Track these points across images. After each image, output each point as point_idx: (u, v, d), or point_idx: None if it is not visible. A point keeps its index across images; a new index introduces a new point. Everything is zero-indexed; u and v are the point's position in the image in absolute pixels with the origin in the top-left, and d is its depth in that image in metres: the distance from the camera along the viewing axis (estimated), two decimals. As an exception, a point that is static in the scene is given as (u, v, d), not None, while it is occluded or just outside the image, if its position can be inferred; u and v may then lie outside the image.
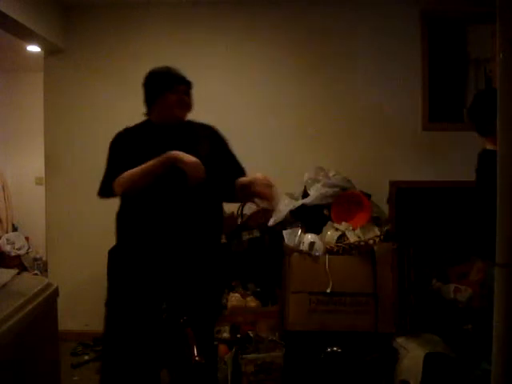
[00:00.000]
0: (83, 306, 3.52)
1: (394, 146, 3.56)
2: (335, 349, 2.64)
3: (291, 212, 3.10)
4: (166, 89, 2.12)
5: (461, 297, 3.00)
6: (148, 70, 2.20)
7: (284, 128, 3.62)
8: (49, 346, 1.51)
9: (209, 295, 2.19)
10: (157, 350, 2.21)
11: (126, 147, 2.11)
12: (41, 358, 1.46)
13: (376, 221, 3.14)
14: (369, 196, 3.25)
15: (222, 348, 2.83)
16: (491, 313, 1.77)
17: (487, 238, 1.87)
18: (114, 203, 2.18)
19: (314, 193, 3.10)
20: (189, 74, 3.61)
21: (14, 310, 1.27)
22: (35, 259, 5.13)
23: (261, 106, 3.64)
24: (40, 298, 1.43)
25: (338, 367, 2.60)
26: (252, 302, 3.06)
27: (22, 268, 4.69)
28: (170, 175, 2.01)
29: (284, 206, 3.15)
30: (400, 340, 2.68)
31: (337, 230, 2.96)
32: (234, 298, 3.06)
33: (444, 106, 3.60)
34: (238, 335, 2.84)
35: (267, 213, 3.25)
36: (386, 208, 3.48)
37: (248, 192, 2.15)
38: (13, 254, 5.06)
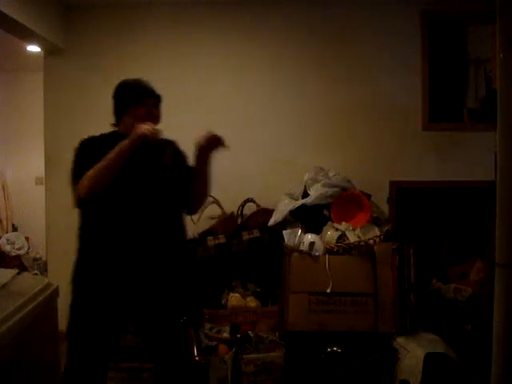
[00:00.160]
0: (83, 306, 3.52)
1: (394, 146, 3.56)
2: (335, 349, 2.64)
3: (291, 212, 3.10)
4: (136, 101, 2.13)
5: (461, 297, 3.00)
6: (118, 82, 2.21)
7: (284, 128, 3.62)
8: (49, 345, 1.51)
9: (174, 309, 2.16)
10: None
11: (90, 156, 2.09)
12: (41, 358, 1.46)
13: (376, 221, 3.14)
14: (369, 196, 3.26)
15: (222, 348, 2.84)
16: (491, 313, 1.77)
17: None
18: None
19: (314, 193, 3.10)
20: (189, 74, 3.66)
21: (14, 310, 1.27)
22: (35, 259, 5.13)
23: (261, 106, 3.64)
24: (40, 298, 1.43)
25: (337, 367, 2.60)
26: (252, 302, 3.06)
27: (22, 268, 4.69)
28: (131, 188, 2.05)
29: (284, 206, 3.15)
30: (400, 340, 2.68)
31: (337, 229, 2.96)
32: (234, 298, 3.06)
33: (444, 106, 3.60)
34: (238, 335, 2.84)
35: (267, 213, 3.26)
36: (386, 208, 3.49)
37: (199, 158, 2.24)
38: (13, 253, 5.06)
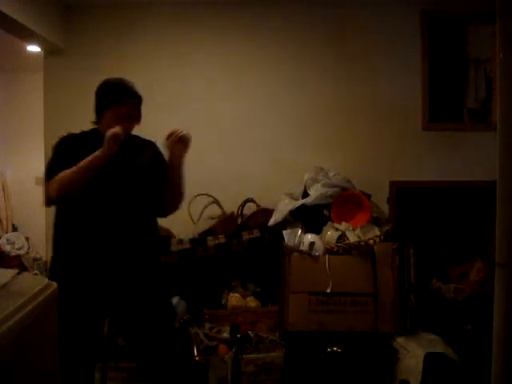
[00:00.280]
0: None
1: (394, 146, 3.56)
2: (335, 349, 2.64)
3: (291, 212, 3.10)
4: (116, 101, 2.14)
5: (461, 297, 3.00)
6: (101, 80, 2.22)
7: (284, 128, 3.62)
8: (49, 345, 1.51)
9: (149, 307, 2.18)
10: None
11: (68, 153, 2.12)
12: (41, 358, 1.46)
13: (376, 221, 3.14)
14: (369, 196, 3.26)
15: (222, 348, 2.83)
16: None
17: None
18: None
19: (314, 193, 3.10)
20: (189, 74, 3.66)
21: (14, 310, 1.27)
22: (35, 259, 5.12)
23: (261, 106, 3.64)
24: (40, 298, 1.42)
25: (337, 367, 2.60)
26: (252, 302, 3.06)
27: (22, 268, 4.68)
28: (106, 186, 2.08)
29: (284, 206, 3.15)
30: (400, 340, 2.68)
31: (337, 229, 2.96)
32: (234, 298, 3.06)
33: (444, 106, 3.60)
34: (238, 335, 2.84)
35: (267, 213, 3.26)
36: (386, 208, 3.49)
37: (170, 161, 2.22)
38: (13, 253, 5.05)
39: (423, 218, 3.51)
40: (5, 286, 1.40)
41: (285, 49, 3.61)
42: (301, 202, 3.11)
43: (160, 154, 2.33)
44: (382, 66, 3.57)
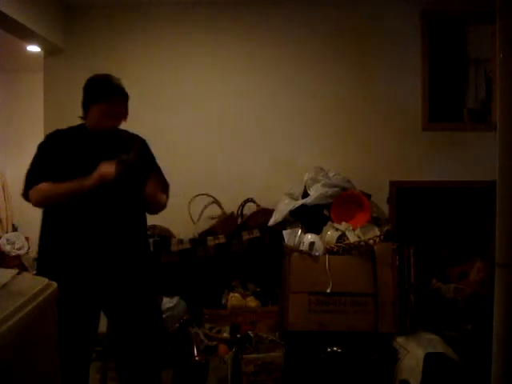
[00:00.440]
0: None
1: (394, 146, 3.56)
2: (335, 349, 2.64)
3: (291, 212, 3.10)
4: (101, 97, 2.15)
5: (461, 297, 3.00)
6: (90, 76, 2.26)
7: (284, 128, 3.62)
8: (49, 345, 1.51)
9: (138, 305, 2.22)
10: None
11: (54, 150, 2.17)
12: (41, 358, 1.46)
13: (376, 221, 3.14)
14: (369, 196, 3.26)
15: (222, 348, 2.83)
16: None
17: None
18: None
19: (314, 193, 3.10)
20: (189, 74, 3.66)
21: (14, 310, 1.27)
22: (35, 259, 5.12)
23: (261, 106, 3.64)
24: (40, 298, 1.42)
25: (337, 367, 2.60)
26: (252, 302, 3.06)
27: (22, 268, 4.68)
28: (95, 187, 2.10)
29: (284, 206, 3.15)
30: (400, 340, 2.68)
31: (337, 230, 2.96)
32: (234, 298, 3.06)
33: (444, 106, 3.60)
34: (238, 335, 2.84)
35: (267, 213, 3.26)
36: (386, 208, 3.49)
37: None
38: (13, 253, 5.05)
39: (423, 218, 3.51)
40: (5, 286, 1.40)
41: (285, 49, 3.61)
42: (301, 202, 3.11)
43: (147, 151, 2.35)
44: (382, 65, 3.57)
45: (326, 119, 3.61)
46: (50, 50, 3.65)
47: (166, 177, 2.43)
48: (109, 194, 2.14)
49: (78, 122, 2.29)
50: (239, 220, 3.41)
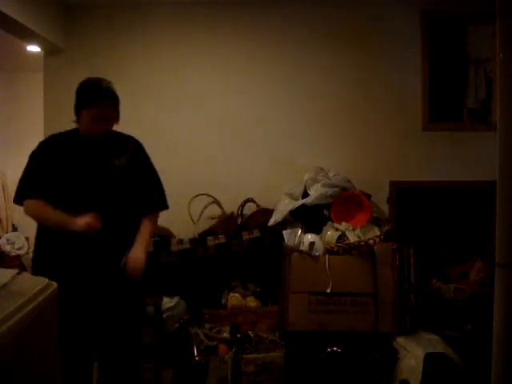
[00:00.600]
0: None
1: (394, 146, 3.56)
2: (335, 349, 2.64)
3: (291, 212, 3.10)
4: (90, 102, 2.15)
5: (461, 297, 3.00)
6: (82, 80, 2.25)
7: (284, 128, 3.62)
8: (49, 345, 1.51)
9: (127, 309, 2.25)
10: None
11: (45, 157, 2.21)
12: (41, 358, 1.46)
13: (376, 221, 3.14)
14: (369, 196, 3.26)
15: (222, 348, 2.83)
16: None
17: None
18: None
19: (314, 193, 3.10)
20: (189, 74, 3.66)
21: (14, 310, 1.27)
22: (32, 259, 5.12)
23: (261, 106, 3.64)
24: (40, 298, 1.42)
25: (337, 367, 2.60)
26: (252, 302, 3.06)
27: (22, 268, 4.68)
28: (82, 186, 2.15)
29: (284, 206, 3.15)
30: (400, 340, 2.68)
31: (337, 230, 2.96)
32: (234, 298, 3.06)
33: (444, 106, 3.60)
34: (238, 335, 2.84)
35: (267, 213, 3.26)
36: (386, 208, 3.49)
37: None
38: (13, 253, 5.05)
39: (423, 218, 3.51)
40: (5, 286, 1.40)
41: (285, 49, 3.61)
42: (301, 202, 3.11)
43: (139, 153, 2.33)
44: (382, 65, 3.57)
45: (326, 119, 3.61)
46: (50, 50, 3.65)
47: (162, 182, 2.41)
48: (101, 198, 2.16)
49: (74, 123, 2.29)
50: (239, 220, 3.41)
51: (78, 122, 2.22)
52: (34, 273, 2.16)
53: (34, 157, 2.24)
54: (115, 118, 2.22)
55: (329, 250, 2.83)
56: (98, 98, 2.15)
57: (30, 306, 1.32)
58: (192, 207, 3.39)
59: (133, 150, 2.30)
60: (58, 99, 3.65)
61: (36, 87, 4.35)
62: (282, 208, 3.14)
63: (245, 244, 3.18)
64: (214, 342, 2.87)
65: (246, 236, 3.20)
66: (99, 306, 2.22)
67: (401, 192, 3.48)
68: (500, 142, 1.83)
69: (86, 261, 2.14)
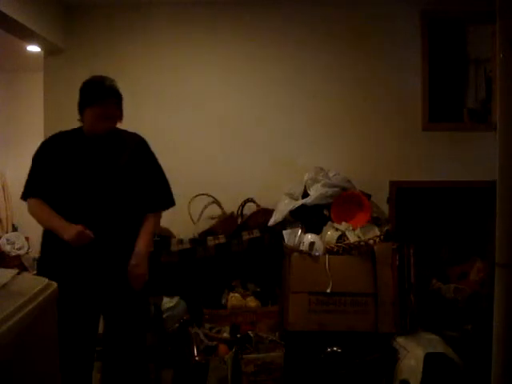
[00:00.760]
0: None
1: (394, 146, 3.56)
2: (335, 349, 2.64)
3: (291, 212, 3.10)
4: (94, 100, 2.16)
5: (461, 297, 3.00)
6: (86, 78, 2.26)
7: (284, 128, 3.62)
8: (49, 346, 1.51)
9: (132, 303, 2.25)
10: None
11: (49, 156, 2.22)
12: (41, 358, 1.46)
13: (376, 221, 3.14)
14: (369, 196, 3.26)
15: (222, 348, 2.83)
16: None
17: None
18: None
19: (314, 193, 3.10)
20: (189, 74, 3.66)
21: (14, 310, 1.27)
22: (35, 259, 5.12)
23: (261, 106, 3.64)
24: (40, 298, 1.42)
25: (338, 367, 2.60)
26: (252, 302, 3.06)
27: (22, 268, 4.68)
28: (83, 184, 2.15)
29: (284, 206, 3.15)
30: (400, 340, 2.68)
31: (337, 230, 2.96)
32: (234, 298, 3.06)
33: (444, 106, 3.60)
34: (238, 335, 2.84)
35: (267, 213, 3.26)
36: (386, 208, 3.49)
37: None
38: (13, 253, 5.05)
39: (423, 218, 3.51)
40: (5, 285, 1.40)
41: (285, 49, 3.61)
42: (301, 202, 3.11)
43: (141, 150, 2.33)
44: (382, 65, 3.57)
45: (326, 119, 3.61)
46: (50, 50, 3.65)
47: (167, 178, 2.40)
48: (105, 196, 2.17)
49: (77, 121, 2.29)
50: (239, 220, 3.41)
51: (81, 120, 2.23)
52: (39, 273, 2.17)
53: (39, 155, 2.25)
54: (119, 116, 2.22)
55: (329, 250, 2.83)
56: (101, 97, 2.15)
57: (30, 306, 1.32)
58: (192, 207, 3.39)
59: (133, 147, 2.30)
60: (58, 99, 3.66)
61: (36, 87, 4.35)
62: (282, 208, 3.14)
63: (245, 244, 3.18)
64: (214, 342, 2.87)
65: (245, 236, 3.20)
66: (103, 306, 2.22)
67: (401, 192, 3.48)
68: (500, 142, 1.83)
69: (90, 260, 2.14)
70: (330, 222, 3.03)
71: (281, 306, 2.99)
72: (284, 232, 2.98)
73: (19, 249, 5.14)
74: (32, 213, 2.21)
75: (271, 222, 3.16)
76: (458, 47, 3.63)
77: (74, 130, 2.28)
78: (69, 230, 2.07)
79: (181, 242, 3.21)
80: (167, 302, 3.02)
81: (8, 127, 5.56)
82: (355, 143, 3.58)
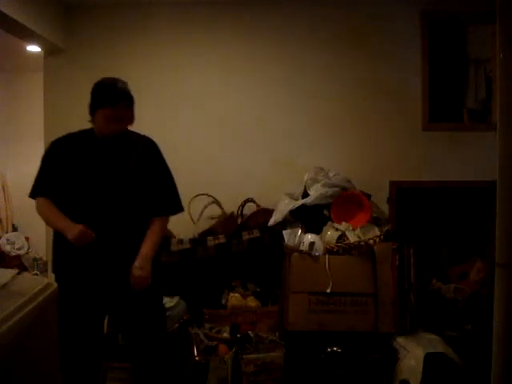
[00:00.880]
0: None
1: (394, 146, 3.56)
2: (335, 349, 2.64)
3: (291, 212, 3.10)
4: (105, 102, 2.15)
5: (461, 297, 3.00)
6: (98, 80, 2.25)
7: (284, 128, 3.62)
8: (49, 346, 1.51)
9: (143, 303, 2.25)
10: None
11: (59, 157, 2.24)
12: (41, 358, 1.46)
13: (376, 221, 3.14)
14: (369, 196, 3.26)
15: (222, 348, 2.83)
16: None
17: None
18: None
19: (314, 193, 3.10)
20: (189, 74, 3.66)
21: (14, 310, 1.28)
22: (35, 259, 5.13)
23: (261, 106, 3.64)
24: (40, 298, 1.43)
25: (338, 367, 2.60)
26: (252, 302, 3.06)
27: (22, 268, 4.69)
28: (91, 186, 2.17)
29: (284, 206, 3.15)
30: (400, 340, 2.68)
31: (337, 230, 2.96)
32: (234, 298, 3.06)
33: (444, 106, 3.60)
34: (238, 335, 2.84)
35: (267, 213, 3.26)
36: (386, 208, 3.49)
37: None
38: (13, 253, 5.06)
39: (423, 218, 3.51)
40: (5, 286, 1.40)
41: (285, 49, 3.61)
42: (301, 202, 3.11)
43: (150, 153, 2.32)
44: (382, 65, 3.57)
45: (326, 119, 3.61)
46: (50, 50, 3.65)
47: (176, 183, 2.42)
48: (112, 198, 2.17)
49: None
50: (239, 220, 3.41)
51: (92, 121, 2.22)
52: (55, 271, 2.26)
53: (49, 154, 2.27)
54: (130, 118, 2.22)
55: (329, 250, 2.83)
56: (113, 99, 2.14)
57: (30, 306, 1.32)
58: (192, 207, 3.38)
59: (141, 149, 2.29)
60: (58, 99, 3.66)
61: (36, 87, 4.35)
62: (282, 208, 3.14)
63: (245, 244, 3.18)
64: (214, 342, 2.87)
65: (246, 236, 3.20)
66: (109, 306, 2.24)
67: (401, 192, 3.48)
68: (500, 142, 1.83)
69: (96, 260, 2.15)
70: (330, 222, 3.03)
71: (281, 306, 2.99)
72: (284, 232, 2.98)
73: (19, 249, 5.14)
74: (40, 212, 2.23)
75: (271, 222, 3.16)
76: (458, 47, 3.63)
77: (84, 131, 2.28)
78: (72, 230, 2.08)
79: (181, 241, 3.20)
80: (167, 302, 3.01)
81: (8, 127, 5.56)
82: (355, 143, 3.58)
